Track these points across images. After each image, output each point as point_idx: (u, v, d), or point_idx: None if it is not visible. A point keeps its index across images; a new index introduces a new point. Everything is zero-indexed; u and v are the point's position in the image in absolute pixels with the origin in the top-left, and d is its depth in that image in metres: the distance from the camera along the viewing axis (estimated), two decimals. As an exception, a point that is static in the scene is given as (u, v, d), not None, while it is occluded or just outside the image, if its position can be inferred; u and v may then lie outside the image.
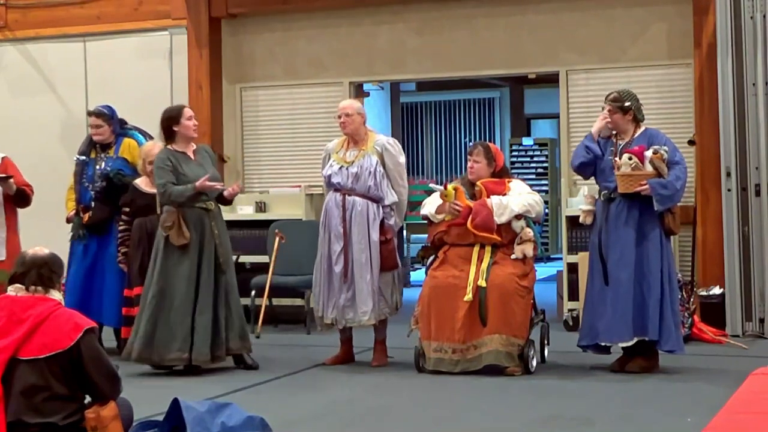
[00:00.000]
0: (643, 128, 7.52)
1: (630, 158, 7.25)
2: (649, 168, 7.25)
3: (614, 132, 7.51)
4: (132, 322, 8.14)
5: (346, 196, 7.81)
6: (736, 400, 5.07)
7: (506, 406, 6.47)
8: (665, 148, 7.31)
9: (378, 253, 7.78)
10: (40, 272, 4.72)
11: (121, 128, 8.80)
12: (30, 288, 4.70)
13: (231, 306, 7.65)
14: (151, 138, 8.86)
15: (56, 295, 4.76)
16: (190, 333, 7.49)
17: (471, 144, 7.99)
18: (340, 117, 7.89)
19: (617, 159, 7.33)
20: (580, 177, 8.65)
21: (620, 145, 7.45)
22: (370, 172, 7.80)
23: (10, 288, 4.75)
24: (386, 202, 7.85)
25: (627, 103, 7.42)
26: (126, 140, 8.78)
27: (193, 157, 7.71)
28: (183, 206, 7.55)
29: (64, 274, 5.16)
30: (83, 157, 8.75)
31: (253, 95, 10.92)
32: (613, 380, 7.19)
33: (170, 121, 7.70)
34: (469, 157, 7.82)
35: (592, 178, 7.73)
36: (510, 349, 7.33)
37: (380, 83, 12.01)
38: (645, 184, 7.22)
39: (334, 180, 7.86)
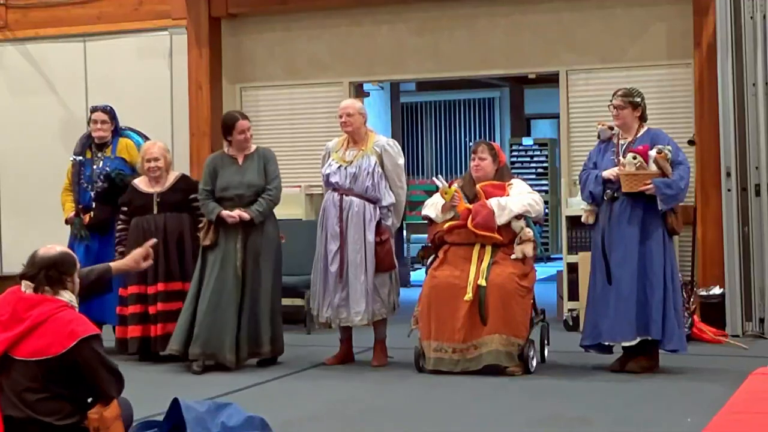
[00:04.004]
0: (645, 128, 7.53)
1: (635, 158, 7.25)
2: (653, 167, 7.25)
3: (615, 132, 7.52)
4: (125, 321, 8.18)
5: (344, 196, 7.81)
6: (736, 400, 5.07)
7: (506, 406, 6.47)
8: (669, 147, 7.32)
9: (373, 254, 7.77)
10: (48, 274, 4.68)
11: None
12: (39, 289, 4.67)
13: (258, 312, 7.75)
14: (147, 138, 8.88)
15: (65, 295, 4.71)
16: (213, 334, 7.65)
17: (472, 144, 7.98)
18: (341, 117, 7.89)
19: (621, 158, 7.33)
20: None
21: (622, 144, 7.45)
22: (368, 173, 7.80)
23: (23, 284, 4.71)
24: (384, 203, 7.85)
25: (638, 99, 7.45)
26: (122, 140, 8.80)
27: (241, 162, 7.85)
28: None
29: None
30: (80, 158, 8.75)
31: (253, 95, 10.91)
32: (613, 380, 7.19)
33: (223, 131, 7.96)
34: (473, 155, 7.79)
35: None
36: (510, 348, 7.33)
37: (380, 83, 12.00)
38: (650, 184, 7.22)
39: (332, 179, 7.86)
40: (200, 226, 7.88)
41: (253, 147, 7.98)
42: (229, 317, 7.67)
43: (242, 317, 7.72)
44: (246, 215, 7.74)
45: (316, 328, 8.10)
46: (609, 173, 7.38)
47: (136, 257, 5.46)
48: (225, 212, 7.73)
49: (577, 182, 9.71)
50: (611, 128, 7.58)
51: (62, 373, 4.59)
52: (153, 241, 5.67)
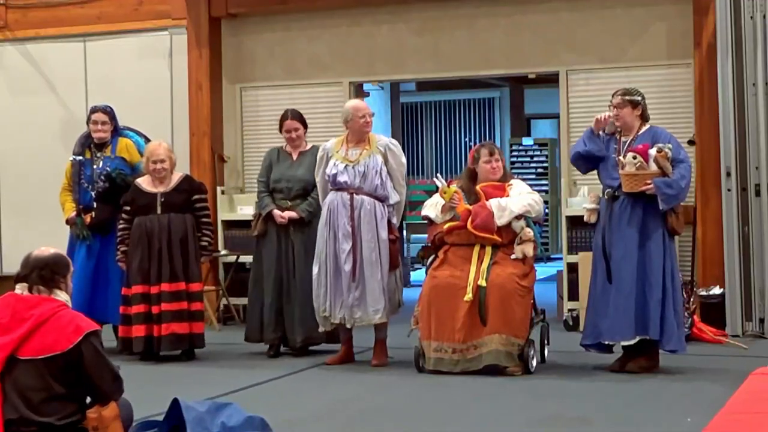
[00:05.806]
0: (647, 126, 7.52)
1: (635, 157, 7.24)
2: (653, 167, 7.24)
3: (619, 129, 7.49)
4: (129, 320, 8.17)
5: (354, 195, 7.81)
6: (736, 400, 5.08)
7: (506, 406, 6.47)
8: (669, 146, 7.30)
9: (387, 251, 7.80)
10: (41, 274, 4.71)
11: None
12: (33, 289, 4.70)
13: (294, 303, 8.19)
14: (146, 138, 8.88)
15: (61, 295, 4.74)
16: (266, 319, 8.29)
17: (473, 144, 7.99)
18: (364, 117, 7.87)
19: (621, 158, 7.32)
20: (580, 176, 8.65)
21: (624, 142, 7.44)
22: (376, 171, 7.82)
23: (17, 287, 4.74)
24: (391, 202, 7.89)
25: (637, 97, 7.44)
26: (122, 140, 8.80)
27: (295, 157, 8.36)
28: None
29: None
30: (79, 158, 8.75)
31: (253, 95, 10.92)
32: (613, 380, 7.19)
33: (279, 126, 8.56)
34: (489, 157, 7.72)
35: (594, 176, 7.76)
36: (510, 348, 7.33)
37: (380, 83, 12.01)
38: (650, 184, 7.21)
39: (341, 178, 7.84)
40: (253, 216, 8.55)
41: (309, 145, 8.44)
42: (277, 304, 8.24)
43: (293, 305, 8.18)
44: (295, 215, 8.20)
45: (323, 329, 8.00)
46: (602, 116, 7.40)
47: None
48: (276, 212, 8.26)
49: (577, 182, 9.75)
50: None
51: (67, 370, 4.60)
52: None
